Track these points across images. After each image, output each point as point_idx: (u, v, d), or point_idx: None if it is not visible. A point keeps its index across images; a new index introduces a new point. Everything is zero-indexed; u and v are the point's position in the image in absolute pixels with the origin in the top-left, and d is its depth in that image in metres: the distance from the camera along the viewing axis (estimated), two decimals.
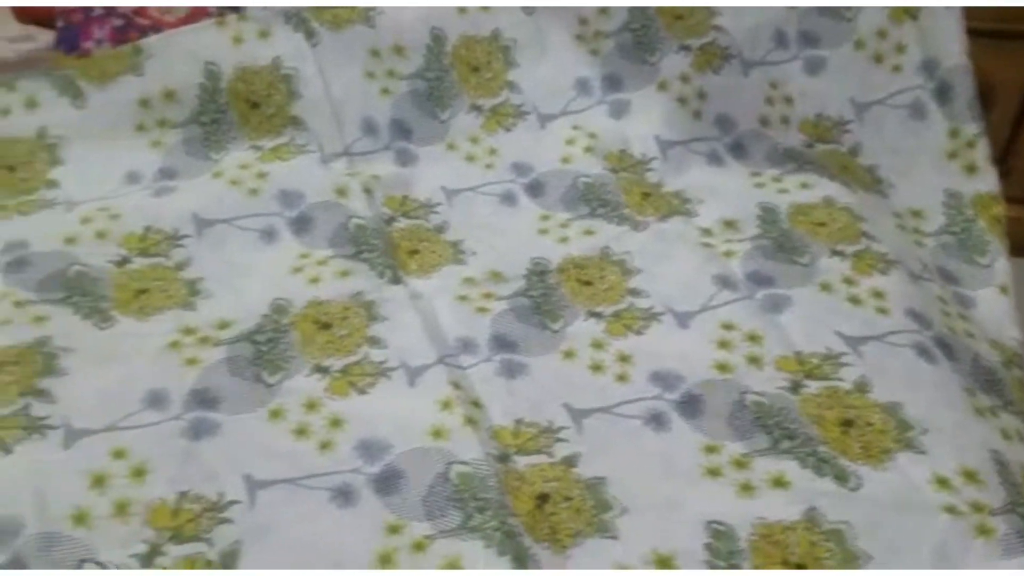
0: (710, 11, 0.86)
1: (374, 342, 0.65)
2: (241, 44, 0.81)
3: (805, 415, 0.59)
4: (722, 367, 0.63)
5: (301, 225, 0.75)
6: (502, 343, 0.65)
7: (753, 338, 0.65)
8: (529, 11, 0.86)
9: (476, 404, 0.60)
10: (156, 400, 0.59)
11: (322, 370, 0.63)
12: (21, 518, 0.52)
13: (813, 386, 0.62)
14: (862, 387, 0.61)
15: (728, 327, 0.66)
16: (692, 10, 0.86)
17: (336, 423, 0.59)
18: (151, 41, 0.81)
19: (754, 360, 0.63)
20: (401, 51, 0.84)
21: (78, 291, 0.67)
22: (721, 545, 0.52)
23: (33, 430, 0.56)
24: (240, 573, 0.50)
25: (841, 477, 0.56)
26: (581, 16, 0.87)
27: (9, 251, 0.70)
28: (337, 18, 0.82)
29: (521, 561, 0.50)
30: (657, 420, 0.59)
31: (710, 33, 0.85)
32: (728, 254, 0.73)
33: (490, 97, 0.85)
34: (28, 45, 0.94)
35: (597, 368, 0.63)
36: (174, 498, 0.54)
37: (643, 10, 0.86)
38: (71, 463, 0.55)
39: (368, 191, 0.78)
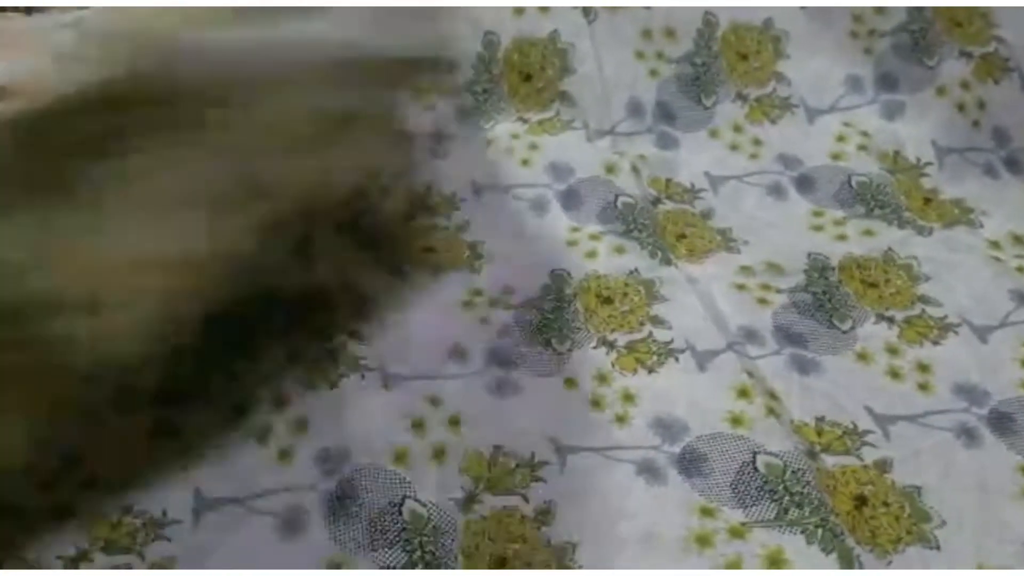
0: (988, 20, 0.82)
1: (657, 321, 0.65)
2: (521, 16, 0.82)
3: None
4: None
5: (570, 199, 0.76)
6: (789, 337, 0.64)
7: None
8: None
9: (772, 396, 0.59)
10: (458, 353, 0.61)
11: (608, 344, 0.63)
12: (348, 449, 0.55)
13: None
14: None
15: None
16: (971, 17, 0.83)
17: (628, 398, 0.60)
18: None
19: None
20: (672, 34, 0.83)
21: None
22: None
23: (356, 369, 0.59)
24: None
25: None
26: (855, 13, 0.84)
27: None
28: None
29: (847, 561, 0.49)
30: (968, 435, 0.57)
31: (991, 43, 0.82)
32: (1021, 270, 0.70)
33: (757, 87, 0.84)
34: None
35: (895, 375, 0.61)
36: (488, 450, 0.55)
37: (921, 11, 0.84)
38: (391, 404, 0.58)
39: (635, 170, 0.78)
